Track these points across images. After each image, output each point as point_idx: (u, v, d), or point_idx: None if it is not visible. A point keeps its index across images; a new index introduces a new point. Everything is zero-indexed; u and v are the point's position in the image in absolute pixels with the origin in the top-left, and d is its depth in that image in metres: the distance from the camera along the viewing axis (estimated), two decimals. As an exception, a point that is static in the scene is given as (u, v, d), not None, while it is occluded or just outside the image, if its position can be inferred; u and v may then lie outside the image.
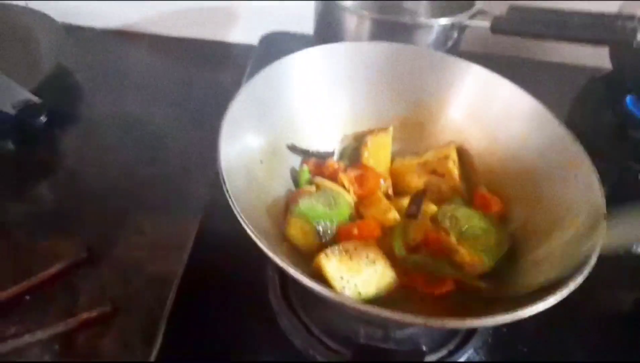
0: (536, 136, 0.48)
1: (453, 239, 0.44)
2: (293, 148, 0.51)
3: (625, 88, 0.72)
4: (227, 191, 0.36)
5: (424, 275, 0.43)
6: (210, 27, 0.89)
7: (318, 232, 0.43)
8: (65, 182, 0.62)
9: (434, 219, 0.47)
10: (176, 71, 0.83)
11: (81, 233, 0.54)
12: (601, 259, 0.35)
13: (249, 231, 0.34)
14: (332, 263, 0.40)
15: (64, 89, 0.75)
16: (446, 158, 0.50)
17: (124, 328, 0.47)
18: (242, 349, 0.45)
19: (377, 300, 0.40)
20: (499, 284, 0.42)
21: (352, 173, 0.50)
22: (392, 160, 0.53)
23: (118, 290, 0.50)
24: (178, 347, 0.44)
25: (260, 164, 0.46)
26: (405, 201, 0.48)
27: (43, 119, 0.56)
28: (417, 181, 0.51)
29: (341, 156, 0.54)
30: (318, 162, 0.51)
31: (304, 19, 0.76)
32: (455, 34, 0.66)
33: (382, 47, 0.54)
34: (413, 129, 0.55)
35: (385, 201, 0.48)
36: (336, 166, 0.51)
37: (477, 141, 0.52)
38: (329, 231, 0.44)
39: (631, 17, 0.58)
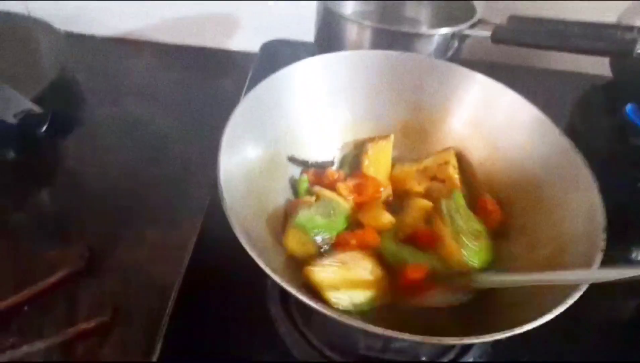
0: (537, 145, 0.48)
1: (448, 230, 0.44)
2: (293, 159, 0.51)
3: (625, 97, 0.72)
4: (225, 205, 0.36)
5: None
6: (212, 35, 0.89)
7: (316, 243, 0.43)
8: (66, 190, 0.62)
9: (429, 212, 0.47)
10: (178, 78, 0.83)
11: (82, 241, 0.54)
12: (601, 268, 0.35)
13: (247, 248, 0.34)
14: (320, 275, 0.40)
15: (66, 97, 0.75)
16: (446, 163, 0.51)
17: (124, 337, 0.47)
18: (241, 356, 0.45)
19: (373, 310, 0.40)
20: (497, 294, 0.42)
21: (351, 182, 0.50)
22: (392, 167, 0.53)
23: (118, 298, 0.49)
24: (177, 354, 0.44)
25: (259, 174, 0.46)
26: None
27: (44, 128, 0.56)
28: (417, 188, 0.51)
29: (341, 164, 0.54)
30: (318, 172, 0.51)
31: (304, 27, 0.77)
32: (456, 43, 0.66)
33: (383, 56, 0.54)
34: (414, 136, 0.55)
35: (380, 206, 0.48)
36: (335, 175, 0.51)
37: (478, 149, 0.53)
38: (327, 242, 0.44)
39: (630, 28, 0.58)
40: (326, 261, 0.41)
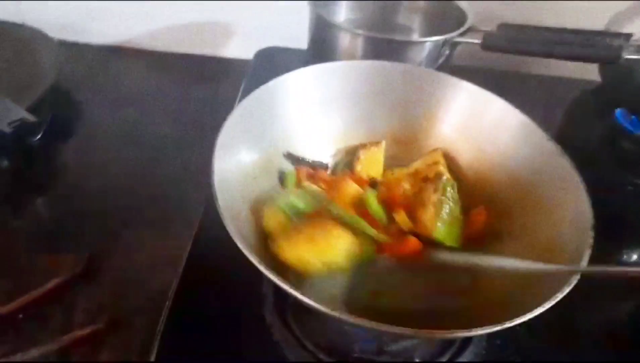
0: (525, 149, 0.48)
1: (435, 199, 0.46)
2: (289, 156, 0.52)
3: (614, 101, 0.73)
4: (220, 209, 0.37)
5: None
6: (207, 43, 0.90)
7: (290, 218, 0.44)
8: (61, 198, 0.62)
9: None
10: (173, 86, 0.83)
11: (77, 248, 0.54)
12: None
13: (240, 246, 0.34)
14: (288, 249, 0.41)
15: (61, 105, 0.74)
16: (435, 163, 0.52)
17: (119, 343, 0.46)
18: (236, 361, 0.45)
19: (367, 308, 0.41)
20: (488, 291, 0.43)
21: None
22: (383, 173, 0.54)
23: (113, 305, 0.49)
24: (173, 360, 0.44)
25: (253, 180, 0.46)
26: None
27: (39, 137, 0.56)
28: (409, 191, 0.51)
29: (334, 171, 0.55)
30: (310, 171, 0.52)
31: (298, 35, 0.77)
32: (447, 50, 0.67)
33: (374, 66, 0.55)
34: (404, 143, 0.56)
35: (347, 181, 0.49)
36: (327, 177, 0.51)
37: (466, 154, 0.53)
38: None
39: (618, 35, 0.60)
40: (290, 233, 0.43)
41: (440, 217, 0.46)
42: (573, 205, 0.42)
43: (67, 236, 0.56)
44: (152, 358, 0.43)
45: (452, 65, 0.70)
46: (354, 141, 0.55)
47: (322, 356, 0.43)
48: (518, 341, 0.47)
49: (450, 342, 0.45)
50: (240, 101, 0.47)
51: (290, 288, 0.32)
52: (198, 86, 0.84)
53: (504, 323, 0.32)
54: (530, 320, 0.32)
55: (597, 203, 0.41)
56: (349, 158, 0.54)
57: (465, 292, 0.44)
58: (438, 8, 0.78)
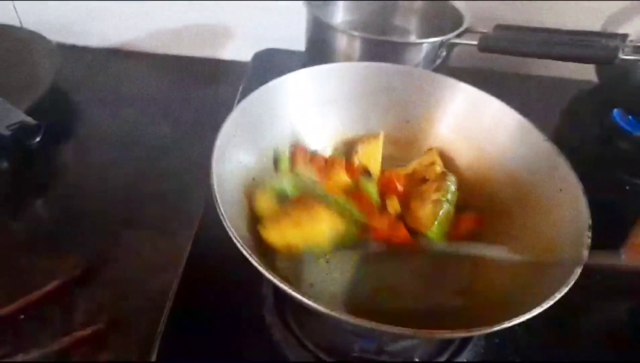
0: (522, 150, 0.49)
1: (436, 196, 0.47)
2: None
3: (611, 101, 0.74)
4: (219, 210, 0.37)
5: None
6: (205, 45, 0.90)
7: (280, 202, 0.45)
8: (60, 201, 0.62)
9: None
10: (171, 88, 0.83)
11: (76, 250, 0.54)
12: (590, 268, 0.36)
13: (244, 251, 0.35)
14: (273, 233, 0.43)
15: (60, 108, 0.75)
16: (432, 164, 0.52)
17: (119, 346, 0.47)
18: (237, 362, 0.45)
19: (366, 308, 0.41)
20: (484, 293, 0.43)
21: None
22: (381, 173, 0.54)
23: (113, 307, 0.50)
24: (174, 361, 0.44)
25: (252, 181, 0.47)
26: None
27: (37, 139, 0.56)
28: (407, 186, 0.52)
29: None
30: (307, 154, 0.52)
31: (296, 37, 0.78)
32: (444, 52, 0.67)
33: (371, 67, 0.55)
34: (402, 144, 0.56)
35: (340, 166, 0.50)
36: (322, 163, 0.51)
37: (464, 154, 0.54)
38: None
39: (614, 35, 0.60)
40: (275, 217, 0.44)
41: (438, 216, 0.46)
42: (570, 205, 0.42)
43: (67, 237, 0.57)
44: (153, 359, 0.43)
45: (449, 66, 0.70)
46: (351, 142, 0.55)
47: (322, 356, 0.43)
48: (517, 341, 0.47)
49: (450, 342, 0.46)
50: (238, 102, 0.47)
51: (290, 289, 0.33)
52: (197, 87, 0.84)
53: (503, 323, 0.32)
54: (528, 319, 0.33)
55: (595, 203, 0.41)
56: (346, 149, 0.55)
57: (465, 292, 0.44)
58: (434, 9, 0.78)
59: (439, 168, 0.51)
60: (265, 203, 0.46)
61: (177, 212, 0.60)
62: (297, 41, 0.78)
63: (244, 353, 0.45)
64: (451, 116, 0.54)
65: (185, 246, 0.52)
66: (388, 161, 0.55)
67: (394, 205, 0.48)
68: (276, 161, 0.51)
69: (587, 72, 0.77)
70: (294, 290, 0.33)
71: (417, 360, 0.43)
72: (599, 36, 0.62)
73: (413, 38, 0.81)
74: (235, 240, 0.35)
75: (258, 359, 0.45)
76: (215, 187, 0.39)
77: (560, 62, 0.63)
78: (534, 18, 0.79)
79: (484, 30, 0.67)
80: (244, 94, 0.48)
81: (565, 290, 0.34)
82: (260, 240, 0.43)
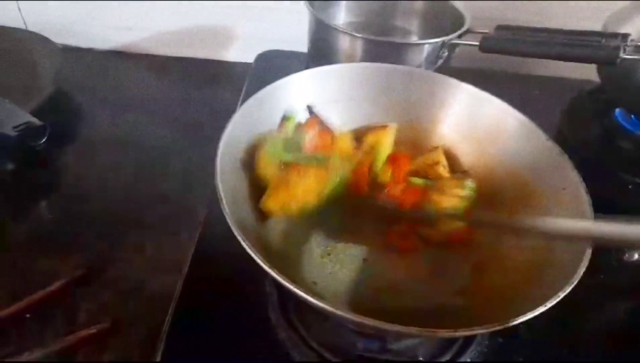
0: (525, 150, 0.49)
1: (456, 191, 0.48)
2: (308, 108, 0.53)
3: (613, 101, 0.74)
4: (225, 210, 0.37)
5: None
6: (208, 47, 0.91)
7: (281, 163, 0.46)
8: (64, 202, 0.62)
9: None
10: (174, 90, 0.84)
11: (80, 251, 0.55)
12: (593, 268, 0.36)
13: (248, 250, 0.35)
14: (270, 201, 0.45)
15: (63, 110, 0.75)
16: (436, 163, 0.52)
17: (124, 345, 0.47)
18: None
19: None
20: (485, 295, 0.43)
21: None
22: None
23: (117, 307, 0.50)
24: (179, 361, 0.44)
25: (256, 181, 0.47)
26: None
27: (43, 141, 0.57)
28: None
29: None
30: (318, 127, 0.52)
31: (298, 38, 0.78)
32: (446, 52, 0.67)
33: (373, 68, 0.55)
34: (404, 144, 0.56)
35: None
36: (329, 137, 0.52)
37: (467, 154, 0.54)
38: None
39: (614, 35, 0.60)
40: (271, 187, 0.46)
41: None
42: (573, 205, 0.42)
43: (71, 237, 0.57)
44: (158, 359, 0.43)
45: (449, 67, 0.70)
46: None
47: (326, 355, 0.43)
48: (520, 340, 0.47)
49: (453, 341, 0.46)
50: (241, 103, 0.48)
51: (294, 287, 0.33)
52: (200, 89, 0.84)
53: (507, 322, 0.32)
54: (531, 319, 0.33)
55: (597, 203, 0.41)
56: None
57: (467, 291, 0.45)
58: (435, 10, 0.79)
59: (442, 168, 0.51)
60: (266, 169, 0.47)
61: (181, 212, 0.60)
62: (299, 42, 0.78)
63: (248, 353, 0.45)
64: (453, 116, 0.55)
65: (190, 246, 0.52)
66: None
67: (385, 173, 0.49)
68: (284, 119, 0.51)
69: (588, 72, 0.77)
70: (298, 288, 0.33)
71: (420, 358, 0.44)
72: (600, 36, 0.62)
73: (414, 39, 0.81)
74: (240, 239, 0.35)
75: (262, 358, 0.45)
76: (220, 187, 0.39)
77: (561, 62, 0.63)
78: (534, 18, 0.79)
79: (484, 31, 0.67)
80: (247, 95, 0.48)
81: (568, 289, 0.34)
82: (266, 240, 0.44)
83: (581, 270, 0.35)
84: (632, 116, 0.71)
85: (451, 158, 0.54)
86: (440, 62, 0.68)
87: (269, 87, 0.50)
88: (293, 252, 0.46)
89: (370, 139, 0.53)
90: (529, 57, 0.66)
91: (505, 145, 0.51)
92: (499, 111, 0.51)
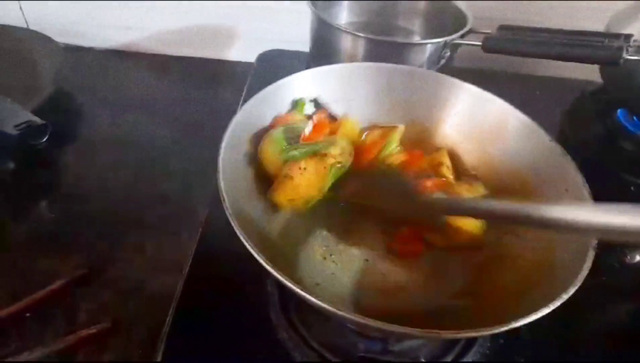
0: (528, 151, 0.49)
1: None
2: (314, 100, 0.54)
3: (615, 102, 0.73)
4: (227, 210, 0.37)
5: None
6: (210, 46, 0.91)
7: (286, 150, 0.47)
8: (64, 201, 0.62)
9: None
10: (176, 89, 0.84)
11: (81, 251, 0.55)
12: (595, 269, 0.36)
13: (252, 251, 0.35)
14: (277, 193, 0.46)
15: (64, 109, 0.75)
16: (440, 164, 0.52)
17: (125, 345, 0.47)
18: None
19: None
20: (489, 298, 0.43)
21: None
22: None
23: (118, 307, 0.50)
24: (179, 361, 0.44)
25: (259, 180, 0.47)
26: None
27: (45, 140, 0.56)
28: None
29: None
30: (324, 120, 0.53)
31: (300, 38, 0.78)
32: (448, 52, 0.67)
33: (375, 68, 0.55)
34: (407, 144, 0.56)
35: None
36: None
37: (469, 154, 0.54)
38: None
39: (617, 36, 0.60)
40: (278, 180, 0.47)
41: None
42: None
43: (71, 238, 0.57)
44: (159, 359, 0.43)
45: (452, 67, 0.70)
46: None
47: (327, 355, 0.43)
48: (521, 341, 0.47)
49: (455, 342, 0.46)
50: (243, 102, 0.48)
51: (298, 288, 0.33)
52: (201, 88, 0.84)
53: (510, 324, 0.32)
54: (533, 320, 0.33)
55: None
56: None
57: (470, 292, 0.45)
58: (437, 10, 0.78)
59: (446, 169, 0.51)
60: (268, 160, 0.47)
61: (182, 212, 0.60)
62: (301, 42, 0.78)
63: (250, 353, 0.45)
64: (456, 116, 0.54)
65: (191, 246, 0.52)
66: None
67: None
68: (295, 105, 0.52)
69: (590, 73, 0.77)
70: (302, 289, 0.33)
71: (422, 360, 0.43)
72: (603, 36, 0.61)
73: (416, 39, 0.81)
74: (243, 240, 0.35)
75: (263, 358, 0.45)
76: (222, 187, 0.39)
77: (563, 63, 0.63)
78: (536, 18, 0.79)
79: (487, 31, 0.67)
80: (249, 95, 0.48)
81: (572, 290, 0.34)
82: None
83: (585, 272, 0.35)
84: (634, 117, 0.71)
85: (454, 158, 0.54)
86: (442, 62, 0.68)
87: (270, 87, 0.50)
88: (295, 252, 0.46)
89: (376, 134, 0.53)
90: (531, 58, 0.66)
91: (507, 145, 0.50)
92: (501, 111, 0.51)
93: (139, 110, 0.77)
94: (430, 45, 0.66)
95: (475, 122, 0.53)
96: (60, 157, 0.68)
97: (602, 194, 0.42)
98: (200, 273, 0.50)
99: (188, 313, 0.47)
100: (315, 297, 0.32)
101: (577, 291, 0.34)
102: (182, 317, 0.46)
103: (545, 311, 0.33)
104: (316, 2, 0.70)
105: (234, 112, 0.46)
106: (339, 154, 0.47)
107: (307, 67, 0.53)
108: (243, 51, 0.90)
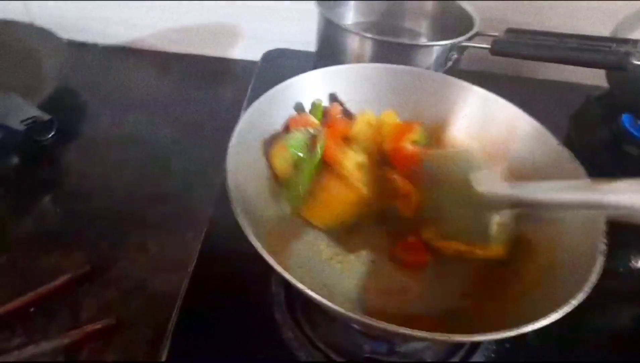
0: (536, 155, 0.49)
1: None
2: (331, 95, 0.54)
3: (621, 107, 0.73)
4: (235, 210, 0.37)
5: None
6: (215, 44, 0.90)
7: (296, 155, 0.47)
8: (69, 198, 0.62)
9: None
10: (180, 87, 0.84)
11: (85, 248, 0.55)
12: (602, 275, 0.36)
13: (262, 253, 0.34)
14: (308, 212, 0.47)
15: (68, 105, 0.75)
16: None
17: (129, 345, 0.47)
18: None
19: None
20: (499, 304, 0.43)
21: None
22: None
23: (122, 305, 0.50)
24: (184, 360, 0.44)
25: (267, 180, 0.47)
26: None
27: (52, 135, 0.56)
28: None
29: None
30: (338, 115, 0.53)
31: (305, 37, 0.78)
32: (455, 55, 0.67)
33: (382, 69, 0.55)
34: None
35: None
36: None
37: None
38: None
39: (625, 41, 0.59)
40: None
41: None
42: (583, 211, 0.42)
43: (75, 236, 0.57)
44: (163, 358, 0.43)
45: (459, 70, 0.70)
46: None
47: (332, 355, 0.43)
48: (527, 344, 0.47)
49: (460, 345, 0.46)
50: (248, 101, 0.48)
51: (307, 289, 0.33)
52: (206, 86, 0.84)
53: (520, 328, 0.32)
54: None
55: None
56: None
57: (476, 295, 0.44)
58: (444, 12, 0.78)
59: None
60: (281, 163, 0.47)
61: (187, 211, 0.60)
62: (307, 41, 0.78)
63: (255, 352, 0.45)
64: (464, 119, 0.54)
65: (196, 245, 0.52)
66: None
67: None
68: (312, 109, 0.52)
69: (597, 77, 0.77)
70: (306, 288, 0.33)
71: (428, 361, 0.43)
72: (611, 41, 0.61)
73: (423, 40, 0.81)
74: (252, 240, 0.35)
75: (268, 358, 0.45)
76: (230, 186, 0.39)
77: (570, 67, 0.63)
78: (543, 21, 0.79)
79: (494, 34, 0.67)
80: (254, 94, 0.48)
81: (581, 296, 0.34)
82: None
83: (594, 278, 0.35)
84: (639, 122, 0.71)
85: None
86: (449, 64, 0.68)
87: (278, 86, 0.50)
88: (302, 253, 0.46)
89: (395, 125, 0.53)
90: (539, 61, 0.66)
91: (516, 150, 0.50)
92: (509, 114, 0.51)
93: (143, 108, 0.77)
94: (438, 47, 0.66)
95: (483, 125, 0.53)
96: (64, 154, 0.68)
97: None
98: (205, 272, 0.50)
99: (193, 312, 0.47)
100: (331, 301, 0.32)
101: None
102: (187, 316, 0.46)
103: (555, 316, 0.33)
104: (323, 2, 0.70)
105: (239, 110, 0.46)
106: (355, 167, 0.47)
107: (314, 67, 0.53)
108: (247, 50, 0.90)
